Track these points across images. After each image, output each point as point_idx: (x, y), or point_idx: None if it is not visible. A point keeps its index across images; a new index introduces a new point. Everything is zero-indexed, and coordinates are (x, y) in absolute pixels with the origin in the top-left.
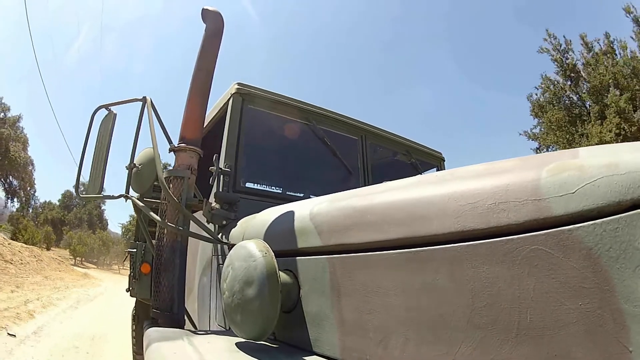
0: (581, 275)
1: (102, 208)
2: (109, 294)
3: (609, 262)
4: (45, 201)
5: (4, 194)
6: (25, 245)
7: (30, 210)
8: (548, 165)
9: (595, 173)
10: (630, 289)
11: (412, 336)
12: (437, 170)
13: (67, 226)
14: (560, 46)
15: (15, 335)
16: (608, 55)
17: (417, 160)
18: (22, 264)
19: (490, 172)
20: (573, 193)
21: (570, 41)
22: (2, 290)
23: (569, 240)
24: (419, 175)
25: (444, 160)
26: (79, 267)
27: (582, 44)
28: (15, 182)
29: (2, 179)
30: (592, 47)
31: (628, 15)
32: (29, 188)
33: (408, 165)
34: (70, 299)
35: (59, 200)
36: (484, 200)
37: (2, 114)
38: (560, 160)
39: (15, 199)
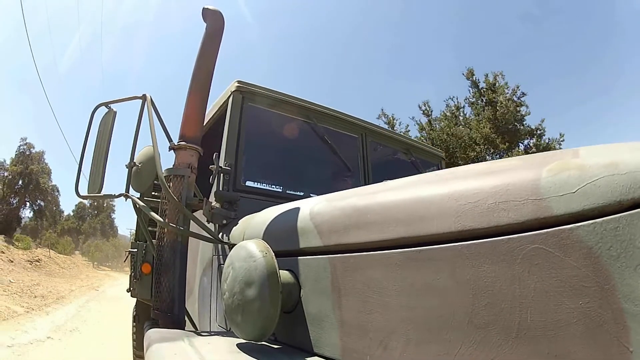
0: (582, 275)
1: (113, 217)
2: (127, 283)
3: (609, 261)
4: (56, 210)
5: (33, 215)
6: (65, 256)
7: (44, 221)
8: (548, 165)
9: (595, 172)
10: (630, 288)
11: (413, 336)
12: (437, 169)
13: (83, 235)
14: (390, 122)
15: (98, 290)
16: (432, 121)
17: (417, 158)
18: (70, 269)
19: (490, 172)
20: (573, 192)
21: (394, 117)
22: (75, 281)
23: (570, 240)
24: (419, 174)
25: (445, 159)
26: (98, 269)
27: (421, 111)
28: (42, 203)
29: (31, 202)
30: (431, 112)
31: (468, 79)
32: (54, 208)
33: (408, 164)
34: (107, 284)
35: (72, 211)
36: (485, 200)
37: (28, 151)
38: (560, 160)
39: (31, 212)
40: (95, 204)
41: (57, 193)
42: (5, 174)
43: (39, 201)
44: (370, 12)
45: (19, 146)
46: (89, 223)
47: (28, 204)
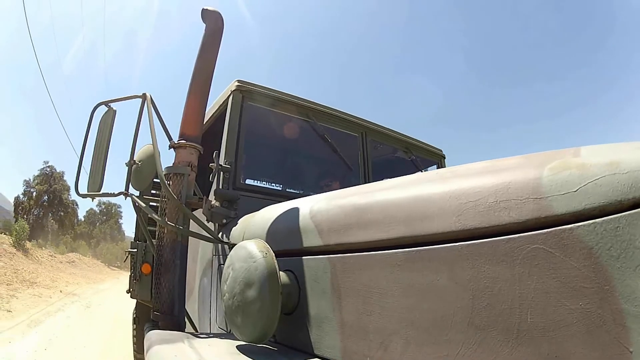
0: (582, 275)
1: (120, 222)
2: None
3: (609, 262)
4: (74, 219)
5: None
6: (88, 258)
7: (64, 228)
8: (550, 164)
9: (597, 172)
10: (630, 288)
11: (413, 337)
12: (437, 168)
13: (94, 239)
14: None
15: (118, 278)
16: None
17: (417, 157)
18: (93, 267)
19: (491, 170)
20: (575, 192)
21: None
22: (101, 274)
23: (570, 240)
24: (420, 172)
25: (445, 158)
26: (111, 269)
27: None
28: (62, 213)
29: (53, 214)
30: None
31: None
32: (73, 219)
33: (408, 162)
34: (122, 277)
35: (83, 217)
36: (485, 199)
37: (50, 172)
38: (562, 159)
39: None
40: (105, 210)
41: (75, 206)
42: (32, 190)
43: (60, 212)
44: (377, 12)
45: (43, 168)
46: (99, 228)
47: (50, 214)
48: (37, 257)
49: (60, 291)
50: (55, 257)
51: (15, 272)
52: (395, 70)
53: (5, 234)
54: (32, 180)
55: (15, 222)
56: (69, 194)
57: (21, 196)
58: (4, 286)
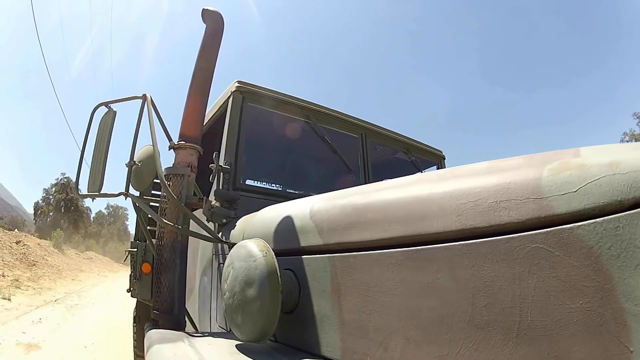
0: (582, 274)
1: (127, 224)
2: None
3: (610, 261)
4: (87, 222)
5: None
6: (101, 256)
7: (78, 231)
8: (550, 164)
9: (596, 172)
10: (631, 287)
11: (413, 337)
12: (437, 169)
13: (103, 238)
14: None
15: (128, 271)
16: None
17: (417, 158)
18: (106, 263)
19: (491, 171)
20: (574, 192)
21: None
22: (115, 267)
23: (570, 239)
24: (420, 173)
25: (444, 159)
26: (119, 264)
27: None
28: (76, 217)
29: (68, 217)
30: None
31: None
32: (86, 222)
33: (408, 164)
34: (128, 271)
35: (93, 218)
36: (485, 199)
37: (67, 182)
38: (562, 159)
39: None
40: (112, 212)
41: (89, 212)
42: (50, 197)
43: (75, 216)
44: (388, 13)
45: (60, 179)
46: (107, 229)
47: (66, 217)
48: (69, 255)
49: (98, 274)
50: (79, 254)
51: (67, 264)
52: (407, 71)
53: (34, 235)
54: (50, 187)
55: (35, 223)
56: (83, 201)
57: (40, 202)
58: (68, 272)
